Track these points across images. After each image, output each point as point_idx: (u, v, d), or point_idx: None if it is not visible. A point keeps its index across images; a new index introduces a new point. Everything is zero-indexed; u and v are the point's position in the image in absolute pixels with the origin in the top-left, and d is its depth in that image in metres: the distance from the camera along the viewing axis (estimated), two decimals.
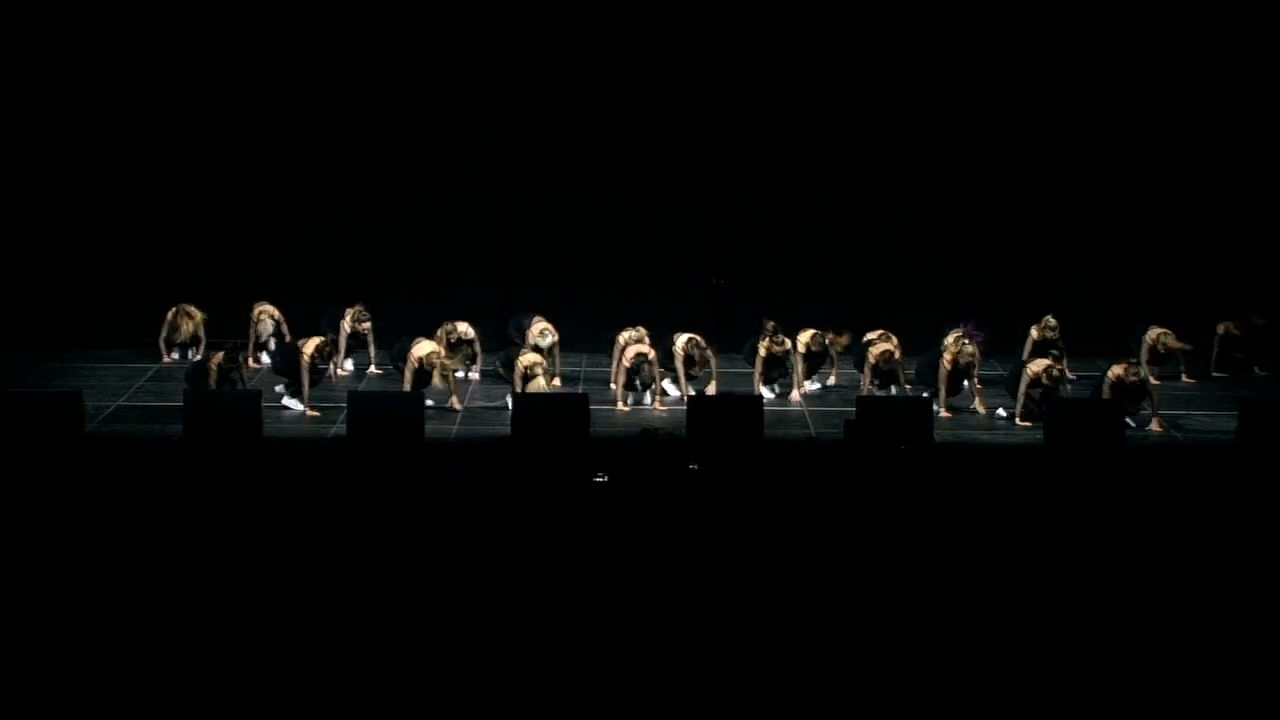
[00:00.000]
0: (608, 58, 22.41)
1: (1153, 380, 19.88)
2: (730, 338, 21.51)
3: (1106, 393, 18.98)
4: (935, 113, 22.41)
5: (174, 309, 21.55)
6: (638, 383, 19.73)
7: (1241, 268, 22.16)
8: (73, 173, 22.36)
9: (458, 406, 19.49)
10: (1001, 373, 20.87)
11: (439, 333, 20.49)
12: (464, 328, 20.71)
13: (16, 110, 22.32)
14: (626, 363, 19.75)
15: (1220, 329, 21.30)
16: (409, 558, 13.21)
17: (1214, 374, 21.24)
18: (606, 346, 20.52)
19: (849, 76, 22.38)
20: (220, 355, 19.33)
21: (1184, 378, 20.87)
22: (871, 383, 19.91)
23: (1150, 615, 12.32)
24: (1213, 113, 22.26)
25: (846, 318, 20.79)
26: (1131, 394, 18.99)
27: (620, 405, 19.71)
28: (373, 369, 21.07)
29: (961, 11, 22.22)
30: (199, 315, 21.44)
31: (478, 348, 20.77)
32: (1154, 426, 19.07)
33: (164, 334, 21.55)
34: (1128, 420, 18.81)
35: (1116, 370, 19.04)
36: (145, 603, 12.22)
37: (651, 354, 19.77)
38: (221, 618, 11.98)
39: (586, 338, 21.42)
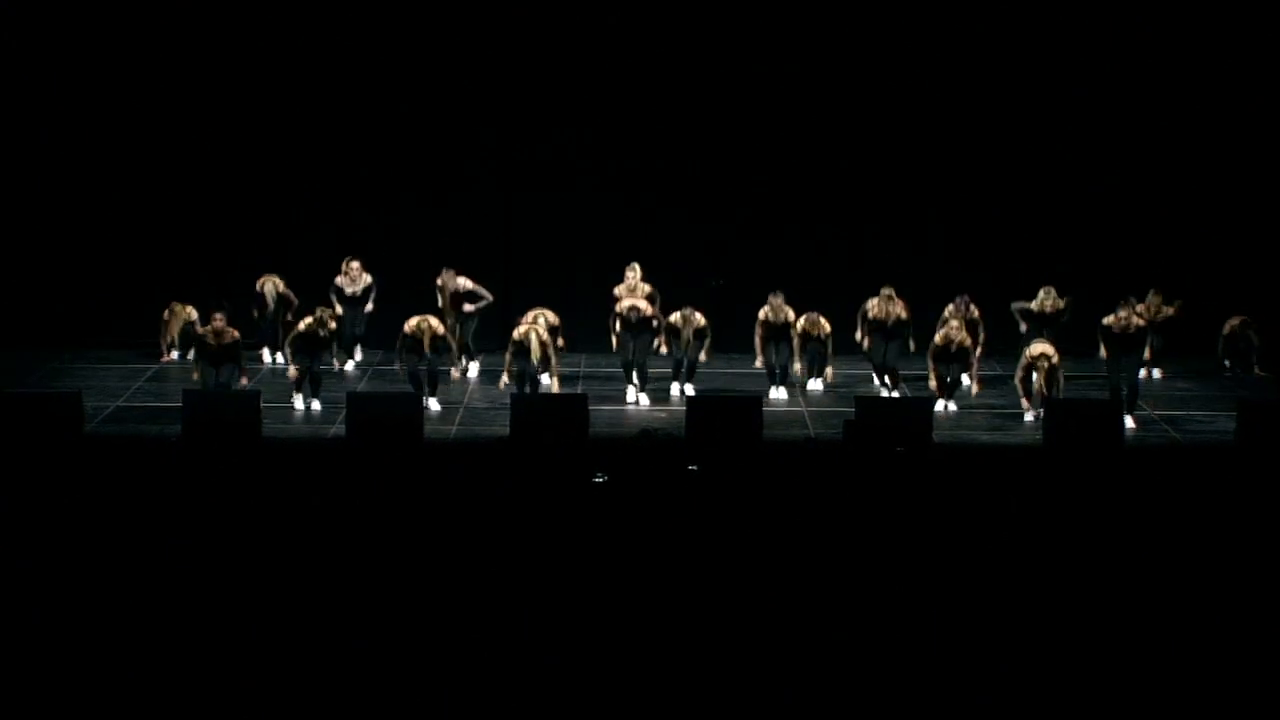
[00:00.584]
0: (608, 58, 22.41)
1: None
2: (730, 338, 21.47)
3: (1103, 347, 19.15)
4: (936, 113, 22.40)
5: (168, 309, 21.56)
6: (632, 358, 19.75)
7: (1243, 266, 22.13)
8: (72, 173, 22.35)
9: (456, 375, 19.52)
10: (1001, 373, 20.86)
11: (439, 282, 20.62)
12: (462, 280, 20.75)
13: (16, 110, 22.31)
14: (619, 310, 19.81)
15: (1226, 327, 21.31)
16: (408, 558, 13.21)
17: (1225, 371, 21.28)
18: (606, 347, 20.53)
19: (849, 76, 22.38)
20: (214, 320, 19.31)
21: (1154, 372, 20.88)
22: (867, 335, 20.01)
23: (1150, 615, 12.32)
24: (1212, 111, 22.26)
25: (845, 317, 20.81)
26: (1133, 340, 19.06)
27: (615, 344, 19.98)
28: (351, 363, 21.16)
29: (961, 11, 22.21)
30: (194, 313, 21.39)
31: (454, 340, 20.72)
32: (1155, 373, 19.90)
33: (162, 333, 21.57)
34: (1129, 423, 18.82)
35: (1108, 319, 19.11)
36: (145, 602, 12.22)
37: (646, 308, 19.78)
38: (221, 617, 11.98)
39: (587, 338, 21.41)
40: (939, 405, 19.37)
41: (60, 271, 22.34)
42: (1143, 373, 20.68)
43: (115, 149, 22.31)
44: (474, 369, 20.98)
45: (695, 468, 16.04)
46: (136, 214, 22.26)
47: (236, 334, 19.22)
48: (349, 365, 21.21)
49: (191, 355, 21.21)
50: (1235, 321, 21.33)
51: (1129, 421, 18.87)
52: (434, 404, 19.28)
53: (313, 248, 22.23)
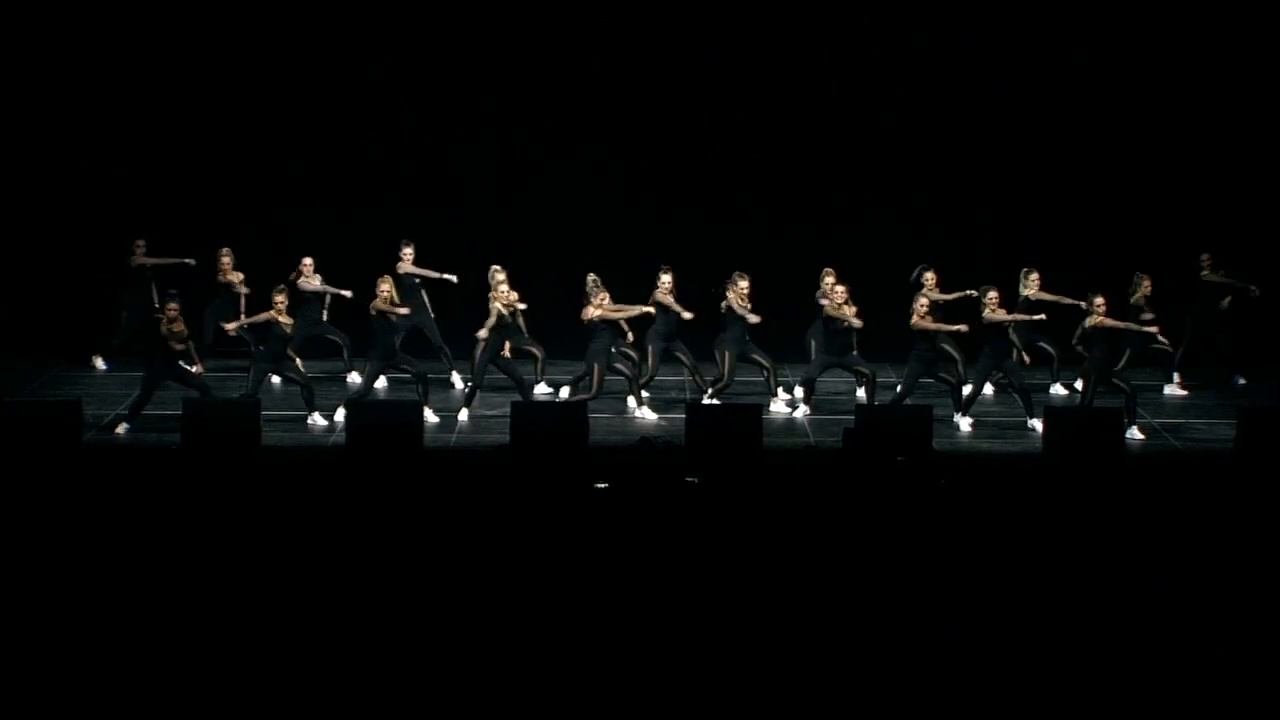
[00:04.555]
0: (608, 59, 22.49)
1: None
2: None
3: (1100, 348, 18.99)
4: (934, 114, 22.52)
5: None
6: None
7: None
8: (73, 183, 22.38)
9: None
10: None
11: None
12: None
13: (17, 119, 22.34)
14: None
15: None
16: (408, 566, 13.21)
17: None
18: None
19: (848, 80, 22.47)
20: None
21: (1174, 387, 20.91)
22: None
23: (1151, 623, 12.32)
24: (1216, 102, 22.41)
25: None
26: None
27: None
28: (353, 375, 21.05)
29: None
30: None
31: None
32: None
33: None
34: (1136, 434, 18.79)
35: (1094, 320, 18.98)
36: (144, 611, 12.21)
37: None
38: (221, 626, 11.97)
39: (585, 342, 21.38)
40: (958, 418, 19.40)
41: (60, 281, 22.35)
42: (1167, 388, 20.72)
43: (115, 159, 22.35)
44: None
45: (694, 479, 16.04)
46: (136, 223, 22.22)
47: (183, 329, 18.98)
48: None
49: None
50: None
51: (1135, 433, 18.83)
52: (430, 414, 19.22)
53: (313, 250, 22.20)
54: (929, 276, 19.72)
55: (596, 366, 19.39)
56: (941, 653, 11.69)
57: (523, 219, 22.44)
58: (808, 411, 19.74)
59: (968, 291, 19.59)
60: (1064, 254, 21.33)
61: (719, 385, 19.68)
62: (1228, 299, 21.09)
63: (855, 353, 19.69)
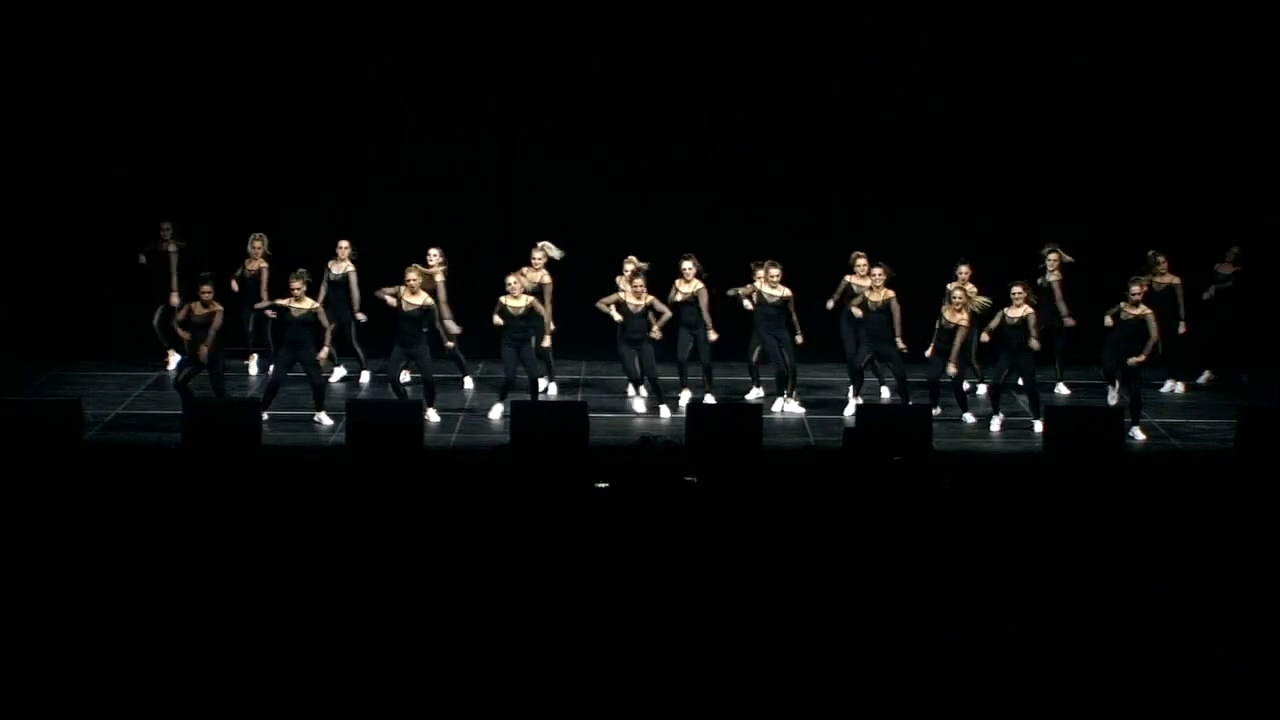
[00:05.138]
0: (608, 59, 22.51)
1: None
2: (729, 345, 21.45)
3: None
4: (934, 113, 22.54)
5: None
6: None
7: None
8: (74, 182, 22.38)
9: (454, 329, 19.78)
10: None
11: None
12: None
13: (17, 120, 22.35)
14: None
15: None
16: (408, 565, 13.21)
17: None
18: (607, 354, 20.53)
19: (848, 79, 22.49)
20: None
21: (1178, 386, 20.85)
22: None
23: (1151, 623, 12.32)
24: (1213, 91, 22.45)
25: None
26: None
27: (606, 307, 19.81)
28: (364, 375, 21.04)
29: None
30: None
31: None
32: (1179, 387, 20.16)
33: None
34: (1138, 435, 18.79)
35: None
36: (145, 611, 12.21)
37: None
38: (221, 626, 11.98)
39: (585, 344, 21.41)
40: (967, 417, 19.40)
41: (61, 280, 22.36)
42: (1167, 385, 20.72)
43: (116, 157, 22.36)
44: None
45: (693, 479, 16.04)
46: (137, 223, 22.22)
47: (220, 308, 19.00)
48: (339, 372, 21.10)
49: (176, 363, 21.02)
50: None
51: (1137, 433, 18.84)
52: (433, 414, 19.24)
53: (312, 249, 22.19)
54: (963, 270, 19.74)
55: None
56: (941, 653, 11.70)
57: (523, 219, 22.41)
58: (858, 401, 19.67)
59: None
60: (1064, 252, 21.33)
61: (787, 377, 19.79)
62: (1212, 289, 20.99)
63: (898, 339, 19.66)
